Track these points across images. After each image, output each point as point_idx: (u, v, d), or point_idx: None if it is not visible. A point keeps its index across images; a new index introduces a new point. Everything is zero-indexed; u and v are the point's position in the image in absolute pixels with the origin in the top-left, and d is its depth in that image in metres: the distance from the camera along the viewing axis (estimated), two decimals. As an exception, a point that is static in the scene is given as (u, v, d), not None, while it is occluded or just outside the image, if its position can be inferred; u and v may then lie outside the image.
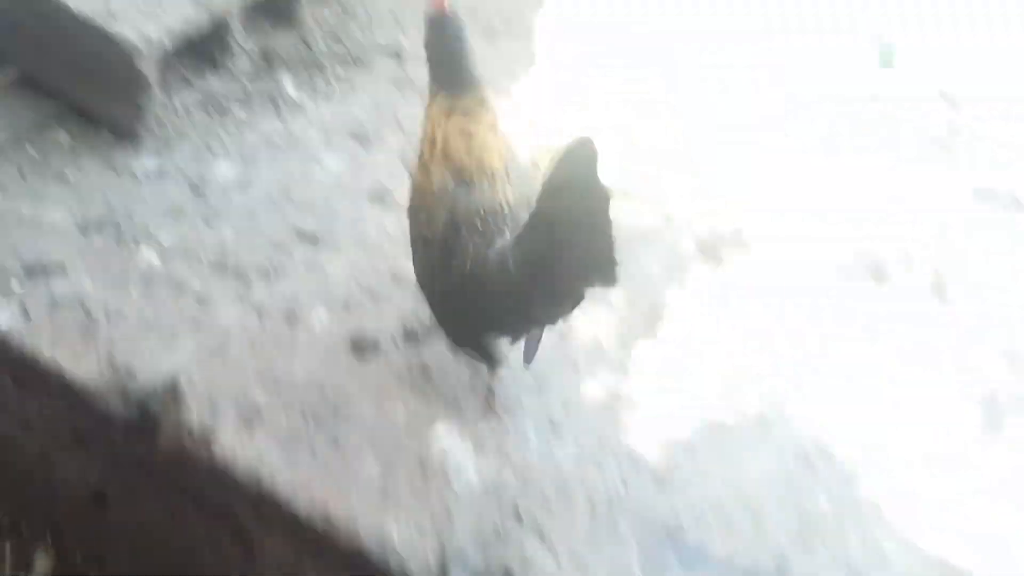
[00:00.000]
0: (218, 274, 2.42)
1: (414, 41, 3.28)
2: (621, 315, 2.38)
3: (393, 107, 3.04)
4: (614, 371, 2.24)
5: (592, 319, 2.32)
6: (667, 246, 2.61)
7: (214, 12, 2.87)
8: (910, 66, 3.34)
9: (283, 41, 3.20)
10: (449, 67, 1.89)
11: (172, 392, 1.87)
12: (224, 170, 2.74)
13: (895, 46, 3.05)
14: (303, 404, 1.93)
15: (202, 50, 2.96)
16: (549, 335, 2.12)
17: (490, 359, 1.98)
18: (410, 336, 2.33)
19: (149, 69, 2.68)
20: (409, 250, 2.02)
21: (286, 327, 2.31)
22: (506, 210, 1.82)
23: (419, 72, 2.44)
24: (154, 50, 2.67)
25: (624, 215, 1.77)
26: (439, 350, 2.28)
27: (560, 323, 1.91)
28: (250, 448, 1.81)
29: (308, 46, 3.24)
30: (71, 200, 2.57)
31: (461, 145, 1.83)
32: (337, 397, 1.96)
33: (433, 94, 1.93)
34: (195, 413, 1.86)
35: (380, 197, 2.71)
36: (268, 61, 3.13)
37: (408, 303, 2.39)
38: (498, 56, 3.15)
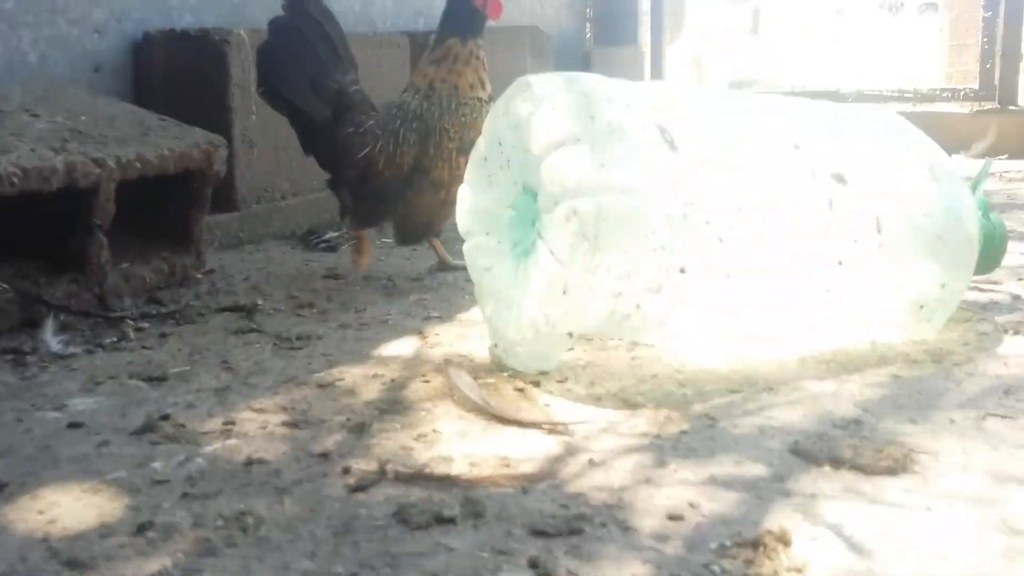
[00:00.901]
0: None
1: (273, 299, 2.26)
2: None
3: (220, 353, 1.89)
4: None
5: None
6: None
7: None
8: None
9: (59, 290, 2.10)
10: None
11: None
12: None
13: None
14: None
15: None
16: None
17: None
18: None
19: None
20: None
21: None
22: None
23: (271, 322, 2.11)
24: None
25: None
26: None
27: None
28: None
29: (100, 300, 2.15)
30: None
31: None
32: None
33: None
34: None
35: (153, 429, 1.47)
36: (24, 310, 2.01)
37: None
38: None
